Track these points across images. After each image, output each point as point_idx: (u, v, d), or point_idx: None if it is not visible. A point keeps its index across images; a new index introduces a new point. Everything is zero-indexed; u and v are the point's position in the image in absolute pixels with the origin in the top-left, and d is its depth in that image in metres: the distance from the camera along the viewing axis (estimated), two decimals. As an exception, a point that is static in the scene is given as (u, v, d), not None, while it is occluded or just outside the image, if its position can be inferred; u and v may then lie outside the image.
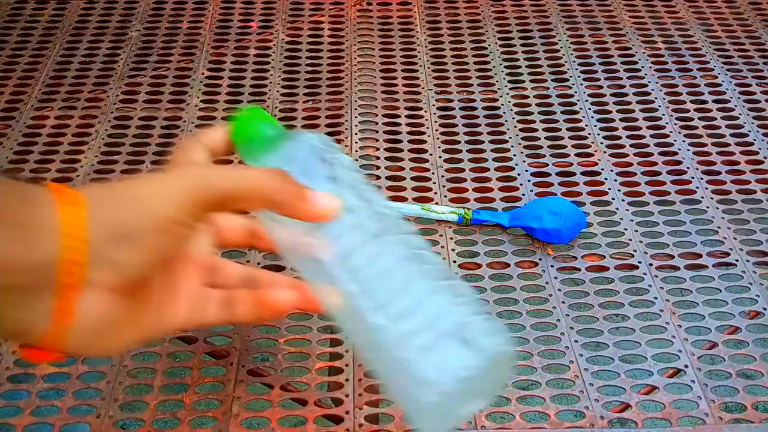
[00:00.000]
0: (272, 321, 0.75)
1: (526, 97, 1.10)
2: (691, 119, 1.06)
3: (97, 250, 0.56)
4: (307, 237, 0.64)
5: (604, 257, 0.87)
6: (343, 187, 0.66)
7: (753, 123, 1.05)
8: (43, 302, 0.56)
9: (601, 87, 1.12)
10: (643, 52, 1.19)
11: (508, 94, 1.11)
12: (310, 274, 0.66)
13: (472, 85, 1.12)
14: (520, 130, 1.04)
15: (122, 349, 0.65)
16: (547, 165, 0.99)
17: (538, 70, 1.15)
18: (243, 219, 0.72)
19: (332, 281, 0.63)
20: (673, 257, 0.87)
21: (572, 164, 0.99)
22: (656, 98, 1.10)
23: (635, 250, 0.87)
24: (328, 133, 1.03)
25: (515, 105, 1.09)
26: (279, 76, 1.13)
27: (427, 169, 0.98)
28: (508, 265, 0.86)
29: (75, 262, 0.56)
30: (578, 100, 1.09)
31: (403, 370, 0.60)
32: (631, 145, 1.02)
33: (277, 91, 1.10)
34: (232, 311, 0.67)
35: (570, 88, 1.12)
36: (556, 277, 0.84)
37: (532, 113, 1.07)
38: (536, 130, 1.04)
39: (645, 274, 0.85)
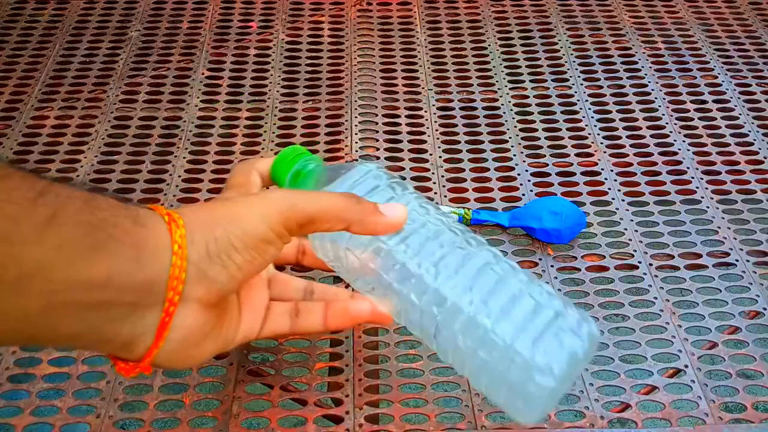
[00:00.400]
0: (342, 329, 0.77)
1: (526, 97, 1.10)
2: (691, 119, 1.06)
3: (196, 268, 0.61)
4: (375, 255, 0.68)
5: (604, 257, 0.87)
6: (405, 198, 0.70)
7: (753, 123, 1.05)
8: (151, 318, 0.60)
9: (601, 87, 1.12)
10: (643, 52, 1.19)
11: (508, 94, 1.11)
12: (381, 289, 0.69)
13: (472, 85, 1.12)
14: (520, 130, 1.04)
15: (202, 361, 0.67)
16: (547, 165, 0.99)
17: (538, 70, 1.15)
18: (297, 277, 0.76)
19: (409, 292, 0.67)
20: (673, 257, 0.87)
21: (572, 164, 0.99)
22: (656, 98, 1.10)
23: (635, 250, 0.87)
24: (328, 133, 1.03)
25: (515, 105, 1.09)
26: (279, 76, 1.13)
27: (427, 169, 0.98)
28: (508, 265, 0.86)
29: (178, 279, 0.60)
30: (578, 100, 1.09)
31: (517, 363, 0.63)
32: (631, 145, 1.02)
33: (277, 91, 1.10)
34: (301, 321, 0.71)
35: (570, 88, 1.12)
36: (556, 277, 0.84)
37: (532, 113, 1.07)
38: (536, 130, 1.04)
39: (645, 274, 0.85)
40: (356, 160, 0.99)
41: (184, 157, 0.99)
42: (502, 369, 0.63)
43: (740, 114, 1.07)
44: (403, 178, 0.96)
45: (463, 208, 0.91)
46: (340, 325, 0.71)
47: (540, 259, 0.86)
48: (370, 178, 0.71)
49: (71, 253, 0.56)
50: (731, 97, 1.10)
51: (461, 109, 1.08)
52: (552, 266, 0.86)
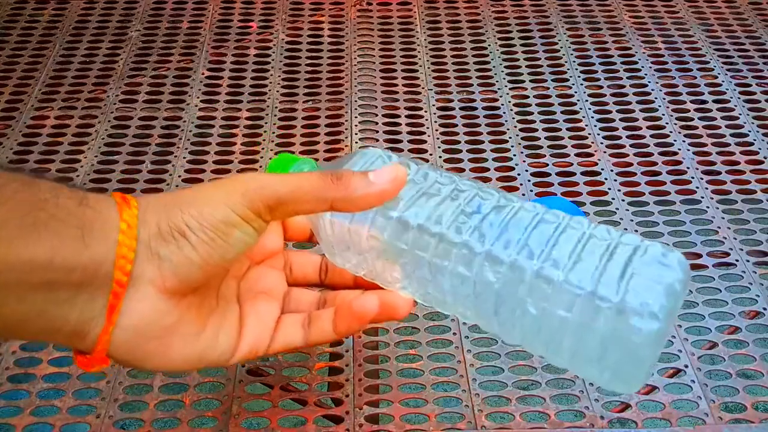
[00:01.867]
0: (356, 332, 0.72)
1: (526, 97, 1.10)
2: (691, 119, 1.06)
3: (145, 247, 0.58)
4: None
5: (604, 257, 0.87)
6: (422, 171, 0.64)
7: (753, 123, 1.05)
8: (100, 301, 0.57)
9: (601, 87, 1.12)
10: (643, 52, 1.19)
11: (508, 94, 1.11)
12: (415, 274, 0.62)
13: (472, 85, 1.12)
14: (520, 130, 1.04)
15: (176, 366, 0.63)
16: (547, 165, 0.99)
17: (538, 70, 1.15)
18: (314, 255, 0.72)
19: (456, 265, 0.59)
20: (673, 257, 0.87)
21: (572, 164, 0.99)
22: (656, 98, 1.10)
23: (635, 250, 0.87)
24: (328, 133, 1.03)
25: (515, 105, 1.09)
26: (279, 76, 1.13)
27: (427, 169, 0.98)
28: (508, 265, 0.86)
29: (124, 258, 0.57)
30: (578, 100, 1.09)
31: (607, 312, 0.54)
32: (631, 145, 1.02)
33: (277, 91, 1.10)
34: (313, 331, 0.67)
35: (570, 88, 1.12)
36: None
37: (532, 113, 1.07)
38: (536, 130, 1.04)
39: (645, 274, 0.85)
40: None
41: (184, 157, 0.99)
42: (589, 326, 0.55)
43: (740, 114, 1.07)
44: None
45: (463, 208, 0.90)
46: (348, 328, 0.66)
47: (540, 259, 0.86)
48: (377, 159, 0.65)
49: (10, 232, 0.54)
50: (731, 97, 1.10)
51: (461, 109, 1.08)
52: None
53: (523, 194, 0.94)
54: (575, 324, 0.56)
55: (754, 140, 1.02)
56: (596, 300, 0.55)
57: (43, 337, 0.66)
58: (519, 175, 0.97)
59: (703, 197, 0.94)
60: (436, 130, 1.04)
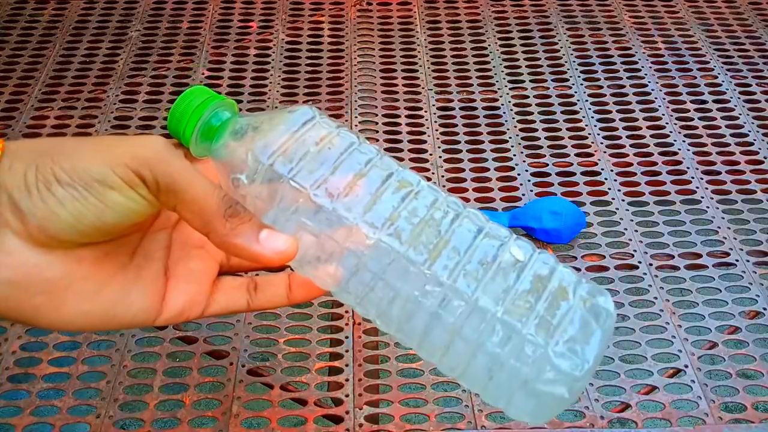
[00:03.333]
0: (307, 300, 0.63)
1: (526, 97, 1.10)
2: (691, 119, 1.06)
3: (7, 195, 0.53)
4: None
5: (604, 257, 0.87)
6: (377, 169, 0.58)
7: (753, 123, 1.05)
8: None
9: (601, 87, 1.12)
10: (643, 52, 1.19)
11: (508, 94, 1.11)
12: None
13: (472, 85, 1.12)
14: (520, 130, 1.04)
15: (76, 324, 0.57)
16: (547, 165, 0.99)
17: (538, 70, 1.15)
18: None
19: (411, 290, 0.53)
20: (673, 257, 0.87)
21: (572, 164, 0.99)
22: (656, 98, 1.10)
23: (635, 250, 0.87)
24: (328, 133, 1.03)
25: (515, 105, 1.09)
26: (279, 76, 1.13)
27: (427, 169, 0.98)
28: (508, 265, 0.86)
29: None
30: (578, 100, 1.09)
31: (520, 366, 0.52)
32: (631, 145, 1.02)
33: (277, 91, 1.10)
34: (260, 296, 0.61)
35: (570, 88, 1.12)
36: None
37: (532, 113, 1.07)
38: (536, 130, 1.04)
39: (645, 274, 0.85)
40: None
41: (184, 157, 0.99)
42: (502, 371, 0.53)
43: (740, 114, 1.07)
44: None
45: (463, 208, 0.90)
46: (306, 296, 0.60)
47: (540, 259, 0.86)
48: (304, 127, 0.56)
49: None
50: (731, 97, 1.10)
51: (461, 109, 1.08)
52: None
53: (523, 194, 0.94)
54: (493, 380, 0.53)
55: (754, 140, 1.02)
56: (527, 346, 0.52)
57: None
58: (519, 175, 0.97)
59: (703, 197, 0.94)
60: (436, 130, 1.04)
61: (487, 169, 0.98)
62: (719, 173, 0.98)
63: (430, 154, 1.00)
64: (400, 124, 1.05)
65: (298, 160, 0.55)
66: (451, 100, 1.10)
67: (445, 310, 0.53)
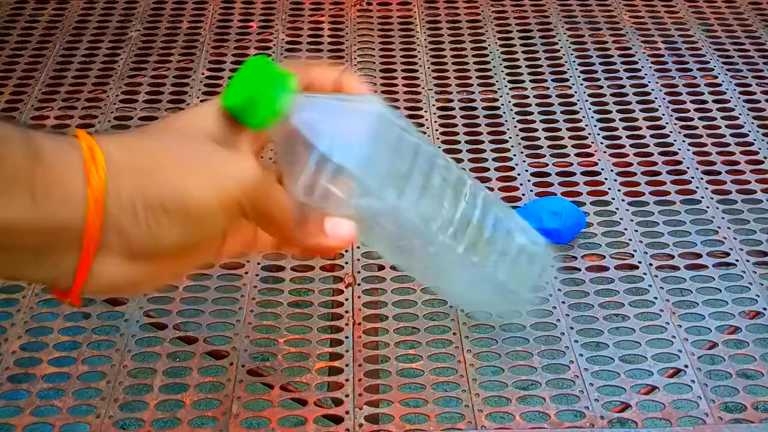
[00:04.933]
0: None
1: (526, 97, 1.10)
2: (691, 119, 1.06)
3: (115, 220, 0.53)
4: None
5: (604, 257, 0.87)
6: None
7: (753, 123, 1.05)
8: (67, 262, 0.54)
9: (601, 87, 1.12)
10: (643, 52, 1.19)
11: (508, 94, 1.11)
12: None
13: (472, 85, 1.12)
14: (520, 130, 1.04)
15: (156, 286, 0.59)
16: (547, 165, 0.99)
17: (538, 70, 1.15)
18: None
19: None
20: (673, 257, 0.87)
21: (572, 164, 0.99)
22: (656, 98, 1.10)
23: (635, 250, 0.87)
24: (328, 133, 1.03)
25: (515, 105, 1.09)
26: (279, 76, 1.13)
27: (427, 169, 0.98)
28: (508, 265, 0.85)
29: (92, 227, 0.53)
30: (578, 100, 1.09)
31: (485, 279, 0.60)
32: (631, 145, 1.02)
33: (277, 91, 1.10)
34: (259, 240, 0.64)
35: (570, 88, 1.12)
36: (556, 277, 0.84)
37: (532, 113, 1.07)
38: (536, 130, 1.04)
39: (645, 274, 0.85)
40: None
41: (184, 157, 0.99)
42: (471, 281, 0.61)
43: (740, 114, 1.07)
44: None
45: (463, 208, 0.90)
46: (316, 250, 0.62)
47: (540, 259, 0.86)
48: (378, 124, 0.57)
49: None
50: (731, 97, 1.10)
51: (461, 109, 1.08)
52: (552, 266, 0.86)
53: (523, 194, 0.94)
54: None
55: (754, 140, 1.02)
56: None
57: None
58: (519, 175, 0.97)
59: (703, 197, 0.94)
60: (436, 130, 1.04)
61: (487, 169, 0.98)
62: (719, 173, 0.98)
63: (430, 154, 1.00)
64: (400, 124, 1.05)
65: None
66: (451, 100, 1.10)
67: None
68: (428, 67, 1.15)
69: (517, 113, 1.07)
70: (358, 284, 0.83)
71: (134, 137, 0.57)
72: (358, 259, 0.85)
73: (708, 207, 0.93)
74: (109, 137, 0.55)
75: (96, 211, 0.53)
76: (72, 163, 0.54)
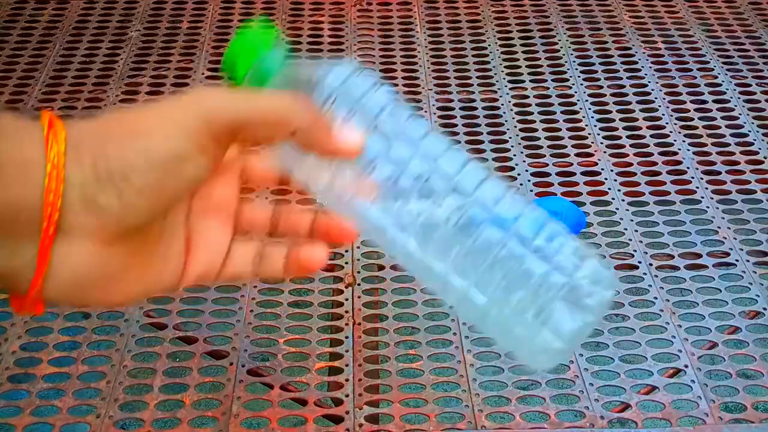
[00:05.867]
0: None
1: (526, 97, 1.10)
2: (691, 119, 1.06)
3: (79, 192, 0.48)
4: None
5: (604, 257, 0.87)
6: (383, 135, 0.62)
7: (753, 123, 1.05)
8: (27, 250, 0.52)
9: (601, 87, 1.12)
10: (643, 52, 1.19)
11: (508, 94, 1.11)
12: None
13: (472, 85, 1.12)
14: (520, 130, 1.04)
15: (120, 303, 0.59)
16: (547, 165, 0.99)
17: (538, 70, 1.15)
18: (267, 205, 0.68)
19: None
20: (673, 257, 0.87)
21: (572, 164, 0.99)
22: (656, 98, 1.10)
23: (635, 250, 0.87)
24: (328, 133, 1.03)
25: (515, 105, 1.09)
26: (279, 76, 1.13)
27: (427, 169, 0.98)
28: (508, 265, 0.85)
29: (53, 206, 0.52)
30: (578, 100, 1.09)
31: (520, 342, 0.60)
32: (631, 145, 1.02)
33: (277, 91, 1.10)
34: (262, 266, 0.63)
35: (570, 88, 1.12)
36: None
37: (532, 113, 1.07)
38: (536, 130, 1.04)
39: (645, 274, 0.85)
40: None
41: (184, 157, 0.99)
42: (504, 337, 0.61)
43: (740, 114, 1.07)
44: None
45: (463, 208, 0.90)
46: (297, 275, 0.66)
47: (540, 259, 0.86)
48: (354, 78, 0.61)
49: None
50: (731, 97, 1.10)
51: (461, 109, 1.08)
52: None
53: (523, 194, 0.94)
54: (494, 333, 0.60)
55: (754, 140, 1.02)
56: (518, 336, 0.58)
57: None
58: (519, 175, 0.97)
59: (703, 197, 0.94)
60: (436, 130, 1.04)
61: (487, 169, 0.98)
62: (719, 173, 0.98)
63: (430, 154, 1.00)
64: (400, 124, 1.05)
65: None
66: (451, 100, 1.10)
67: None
68: (428, 67, 1.15)
69: (517, 113, 1.07)
70: (358, 284, 0.83)
71: (98, 117, 0.55)
72: (358, 259, 0.85)
73: (708, 207, 0.93)
74: (74, 120, 0.53)
75: (56, 184, 0.50)
76: (31, 137, 0.51)
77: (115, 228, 0.53)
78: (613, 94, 1.10)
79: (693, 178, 0.97)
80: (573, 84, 1.12)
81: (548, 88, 1.12)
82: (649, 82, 1.13)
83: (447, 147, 0.61)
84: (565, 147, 1.01)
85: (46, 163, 0.50)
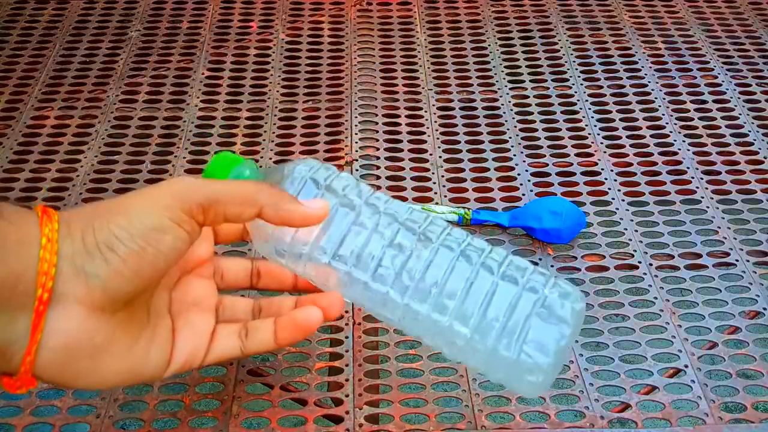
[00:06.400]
0: (294, 342, 0.70)
1: (526, 97, 1.10)
2: (691, 119, 1.06)
3: (69, 263, 0.54)
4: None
5: (604, 257, 0.87)
6: (343, 196, 0.66)
7: (753, 123, 1.05)
8: (22, 321, 0.54)
9: (601, 87, 1.12)
10: (643, 52, 1.19)
11: (508, 94, 1.11)
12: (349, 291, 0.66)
13: (472, 85, 1.12)
14: (520, 130, 1.04)
15: (108, 383, 0.61)
16: (547, 165, 0.99)
17: (538, 70, 1.15)
18: (245, 260, 0.70)
19: (382, 309, 0.66)
20: (673, 257, 0.87)
21: (572, 164, 0.99)
22: (656, 98, 1.10)
23: (635, 250, 0.87)
24: (328, 134, 1.03)
25: (515, 105, 1.09)
26: (279, 76, 1.13)
27: (427, 169, 0.98)
28: (508, 265, 0.85)
29: (46, 274, 0.54)
30: (578, 100, 1.09)
31: (505, 363, 0.63)
32: (631, 145, 1.02)
33: (277, 91, 1.10)
34: (250, 342, 0.66)
35: (570, 88, 1.12)
36: (556, 277, 0.84)
37: (532, 113, 1.07)
38: (536, 130, 1.04)
39: (645, 274, 0.85)
40: (356, 160, 0.99)
41: (184, 157, 0.99)
42: (492, 366, 0.64)
43: (740, 114, 1.07)
44: (403, 178, 0.96)
45: (463, 208, 0.91)
46: (292, 339, 0.67)
47: (540, 259, 0.86)
48: (305, 181, 0.66)
49: None
50: (731, 97, 1.10)
51: (461, 109, 1.08)
52: (552, 266, 0.86)
53: (523, 194, 0.94)
54: (482, 363, 0.65)
55: (754, 140, 1.02)
56: (497, 356, 0.63)
57: None
58: (519, 175, 0.97)
59: (703, 197, 0.94)
60: (436, 130, 1.04)
61: (487, 169, 0.98)
62: (719, 173, 0.98)
63: (430, 154, 1.00)
64: (400, 124, 1.05)
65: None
66: (451, 100, 1.10)
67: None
68: (428, 67, 1.15)
69: (517, 113, 1.07)
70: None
71: (85, 205, 0.60)
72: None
73: (708, 207, 0.93)
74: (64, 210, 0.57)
75: (50, 255, 0.54)
76: (27, 219, 0.55)
77: (101, 294, 0.56)
78: (613, 94, 1.10)
79: (693, 178, 0.97)
80: (573, 84, 1.12)
81: (548, 88, 1.12)
82: (649, 82, 1.13)
83: (408, 209, 0.67)
84: (565, 147, 1.01)
85: (41, 237, 0.54)
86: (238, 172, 0.66)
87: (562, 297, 0.65)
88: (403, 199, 0.93)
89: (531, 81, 1.13)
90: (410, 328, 0.67)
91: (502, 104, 1.09)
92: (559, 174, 0.97)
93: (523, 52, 1.19)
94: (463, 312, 0.64)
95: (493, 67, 1.15)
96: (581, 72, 1.15)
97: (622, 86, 1.12)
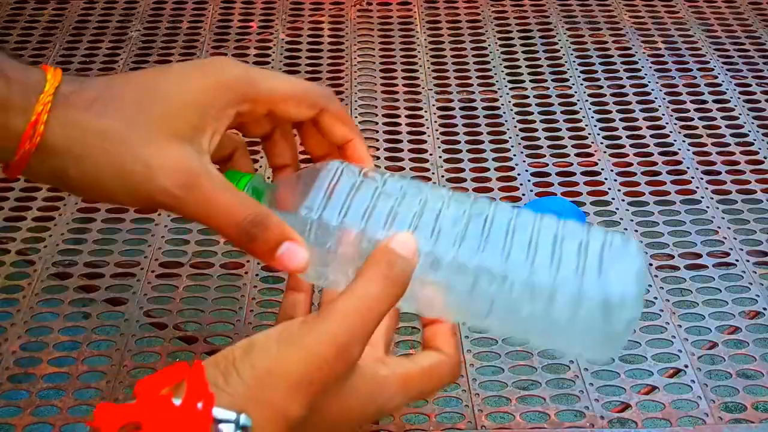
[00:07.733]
0: None
1: (526, 97, 1.10)
2: (691, 119, 1.06)
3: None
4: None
5: (604, 257, 0.87)
6: (391, 182, 0.65)
7: (753, 123, 1.05)
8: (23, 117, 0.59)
9: (601, 87, 1.12)
10: (643, 52, 1.19)
11: (508, 94, 1.11)
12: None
13: (472, 85, 1.12)
14: (520, 130, 1.04)
15: (103, 181, 0.62)
16: (547, 165, 0.99)
17: (538, 70, 1.15)
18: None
19: (450, 281, 0.62)
20: (673, 257, 0.87)
21: (572, 164, 0.99)
22: (656, 98, 1.10)
23: (635, 250, 0.87)
24: (328, 133, 1.03)
25: (515, 105, 1.09)
26: (279, 76, 1.13)
27: (427, 169, 0.98)
28: (508, 265, 0.85)
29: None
30: (578, 100, 1.09)
31: (592, 307, 0.60)
32: (631, 145, 1.02)
33: (277, 91, 1.10)
34: None
35: (570, 88, 1.12)
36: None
37: (532, 113, 1.07)
38: (536, 130, 1.04)
39: (645, 274, 0.85)
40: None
41: (184, 157, 0.99)
42: (576, 319, 0.61)
43: (740, 114, 1.07)
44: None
45: (463, 208, 0.90)
46: None
47: (540, 259, 0.86)
48: (343, 175, 0.65)
49: None
50: (731, 97, 1.10)
51: (461, 109, 1.08)
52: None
53: (523, 194, 0.94)
54: (565, 322, 0.61)
55: (754, 140, 1.02)
56: (584, 299, 0.60)
57: None
58: (519, 175, 0.97)
59: (703, 197, 0.94)
60: (436, 130, 1.04)
61: (487, 169, 0.98)
62: (719, 173, 0.98)
63: (430, 154, 1.00)
64: (400, 124, 1.05)
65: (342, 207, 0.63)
66: (451, 100, 1.10)
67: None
68: (428, 67, 1.15)
69: (517, 113, 1.07)
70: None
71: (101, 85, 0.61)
72: (358, 259, 0.85)
73: (708, 207, 0.93)
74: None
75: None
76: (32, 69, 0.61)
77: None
78: (613, 94, 1.10)
79: (693, 178, 0.97)
80: (573, 84, 1.12)
81: (548, 88, 1.12)
82: (649, 82, 1.13)
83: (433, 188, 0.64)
84: (565, 147, 1.01)
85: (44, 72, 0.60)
86: (256, 182, 0.66)
87: (624, 240, 0.63)
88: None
89: (531, 81, 1.13)
90: (502, 306, 0.63)
91: (502, 104, 1.09)
92: (559, 174, 0.97)
93: (523, 52, 1.19)
94: (545, 267, 0.61)
95: (493, 67, 1.15)
96: (581, 72, 1.15)
97: (622, 86, 1.12)
